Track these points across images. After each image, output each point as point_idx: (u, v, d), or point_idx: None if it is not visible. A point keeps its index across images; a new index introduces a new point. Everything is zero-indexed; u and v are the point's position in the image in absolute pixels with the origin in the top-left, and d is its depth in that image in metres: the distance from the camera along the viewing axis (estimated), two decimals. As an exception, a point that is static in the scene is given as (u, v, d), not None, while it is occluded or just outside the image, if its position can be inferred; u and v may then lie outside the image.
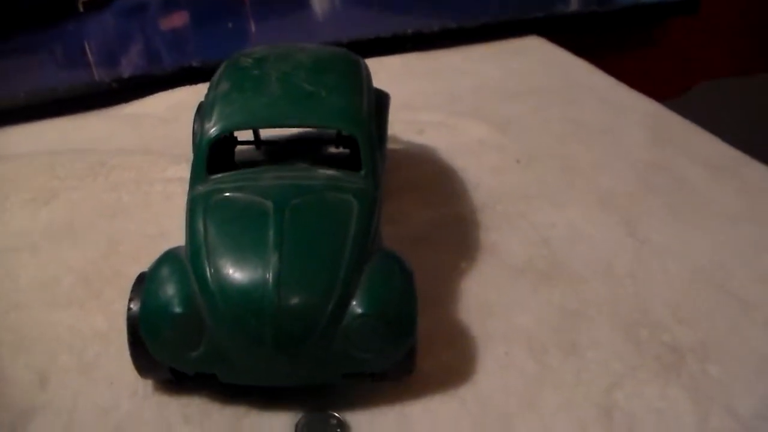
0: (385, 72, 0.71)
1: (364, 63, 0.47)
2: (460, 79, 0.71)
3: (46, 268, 0.46)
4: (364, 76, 0.45)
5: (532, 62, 0.74)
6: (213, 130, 0.39)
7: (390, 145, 0.58)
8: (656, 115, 0.64)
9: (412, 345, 0.35)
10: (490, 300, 0.43)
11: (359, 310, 0.34)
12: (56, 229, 0.49)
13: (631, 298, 0.43)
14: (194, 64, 0.67)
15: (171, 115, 0.63)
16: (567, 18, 0.82)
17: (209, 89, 0.43)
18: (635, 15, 0.87)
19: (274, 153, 0.53)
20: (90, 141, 0.60)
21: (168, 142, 0.59)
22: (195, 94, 0.52)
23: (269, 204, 0.36)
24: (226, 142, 0.49)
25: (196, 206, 0.38)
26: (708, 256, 0.47)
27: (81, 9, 0.70)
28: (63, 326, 0.42)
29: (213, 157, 0.39)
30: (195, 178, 0.39)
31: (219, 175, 0.39)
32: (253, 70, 0.43)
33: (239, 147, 0.53)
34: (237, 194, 0.37)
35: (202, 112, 0.42)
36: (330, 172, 0.39)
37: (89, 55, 0.69)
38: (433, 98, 0.67)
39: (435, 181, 0.55)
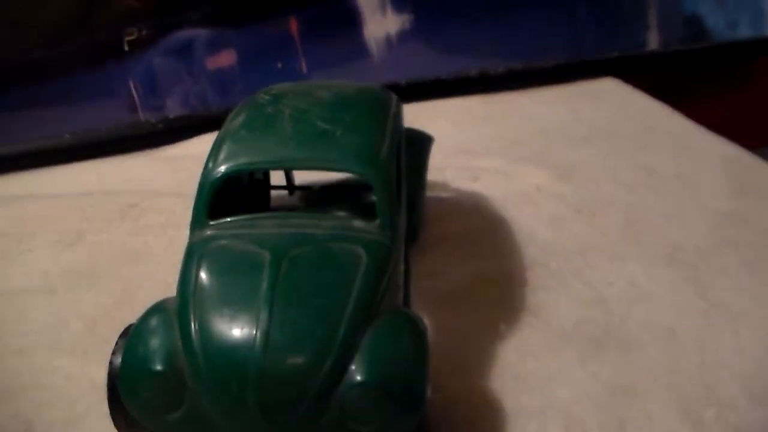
0: (444, 116, 0.67)
1: (396, 100, 0.43)
2: (525, 122, 0.66)
3: (58, 312, 0.44)
4: (392, 114, 0.41)
5: (605, 105, 0.69)
6: (215, 173, 0.36)
7: (440, 194, 0.54)
8: (738, 160, 0.57)
9: (420, 419, 0.31)
10: (527, 369, 0.38)
11: (358, 378, 0.29)
12: (76, 273, 0.47)
13: (694, 370, 0.37)
14: (242, 105, 0.64)
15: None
16: (647, 58, 0.76)
17: (223, 125, 0.40)
18: (730, 53, 0.80)
19: (309, 199, 0.50)
20: (126, 182, 0.58)
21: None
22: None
23: (266, 254, 0.32)
24: (256, 184, 0.48)
25: (191, 255, 0.34)
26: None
27: (126, 48, 0.69)
28: (60, 375, 0.39)
29: (217, 200, 0.36)
30: (194, 223, 0.36)
31: (219, 221, 0.35)
32: (267, 108, 0.39)
33: (274, 192, 0.50)
34: (233, 243, 0.34)
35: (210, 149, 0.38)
36: (340, 220, 0.35)
37: (135, 96, 0.68)
38: (492, 143, 0.62)
39: (484, 232, 0.50)
